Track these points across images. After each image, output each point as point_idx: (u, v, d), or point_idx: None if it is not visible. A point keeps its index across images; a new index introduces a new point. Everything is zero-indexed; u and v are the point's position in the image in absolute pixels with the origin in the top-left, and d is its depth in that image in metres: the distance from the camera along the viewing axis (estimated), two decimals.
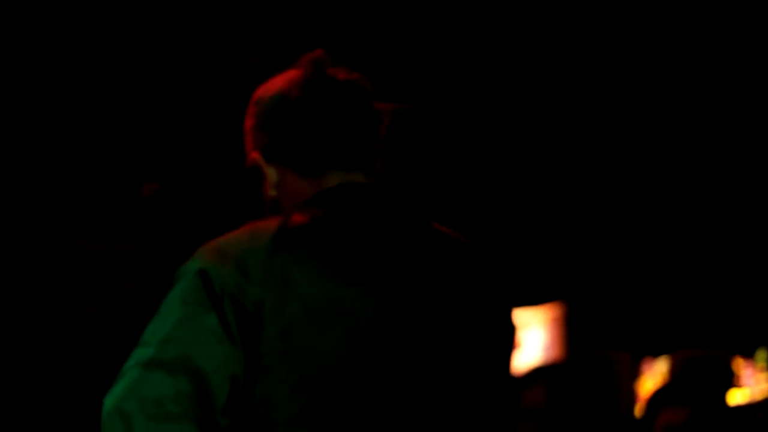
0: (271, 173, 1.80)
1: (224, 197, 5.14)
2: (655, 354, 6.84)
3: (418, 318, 1.64)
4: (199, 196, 5.37)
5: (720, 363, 3.54)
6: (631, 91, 5.53)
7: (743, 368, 6.62)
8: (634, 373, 6.73)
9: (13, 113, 4.96)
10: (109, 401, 1.56)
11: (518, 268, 6.62)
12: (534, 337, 6.65)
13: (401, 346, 1.62)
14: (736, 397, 3.94)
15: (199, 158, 5.48)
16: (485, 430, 1.69)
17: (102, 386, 1.66)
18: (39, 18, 4.68)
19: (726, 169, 6.18)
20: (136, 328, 1.68)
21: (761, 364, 7.14)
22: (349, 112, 1.78)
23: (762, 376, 7.09)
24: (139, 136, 5.20)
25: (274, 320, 1.56)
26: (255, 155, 1.81)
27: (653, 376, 6.72)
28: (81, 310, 5.14)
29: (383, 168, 1.83)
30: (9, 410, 4.92)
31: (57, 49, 4.76)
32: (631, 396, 6.36)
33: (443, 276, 1.70)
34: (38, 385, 5.00)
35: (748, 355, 7.04)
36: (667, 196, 6.44)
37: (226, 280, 1.58)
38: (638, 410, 5.02)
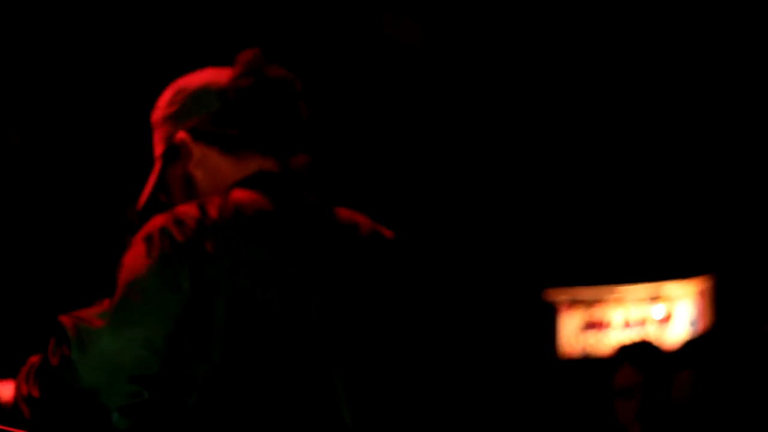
0: (196, 151, 2.02)
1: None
2: None
3: (322, 282, 1.91)
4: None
5: None
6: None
7: None
8: None
9: None
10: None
11: (667, 240, 6.56)
12: (682, 311, 6.58)
13: (311, 301, 1.88)
14: None
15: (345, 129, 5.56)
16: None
17: None
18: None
19: None
20: None
21: None
22: (275, 104, 2.02)
23: None
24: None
25: (226, 282, 1.82)
26: (182, 135, 2.02)
27: None
28: None
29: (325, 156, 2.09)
30: None
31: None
32: None
33: (337, 249, 1.96)
34: None
35: None
36: None
37: (186, 241, 1.82)
38: None
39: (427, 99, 6.07)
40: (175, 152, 2.03)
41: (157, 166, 2.06)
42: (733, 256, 6.42)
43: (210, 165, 2.01)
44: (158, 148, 2.07)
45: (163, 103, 2.07)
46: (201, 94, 2.03)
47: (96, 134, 5.44)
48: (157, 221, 1.86)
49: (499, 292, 6.69)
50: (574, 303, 6.80)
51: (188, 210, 1.87)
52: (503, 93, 6.11)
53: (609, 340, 6.61)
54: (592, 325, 6.76)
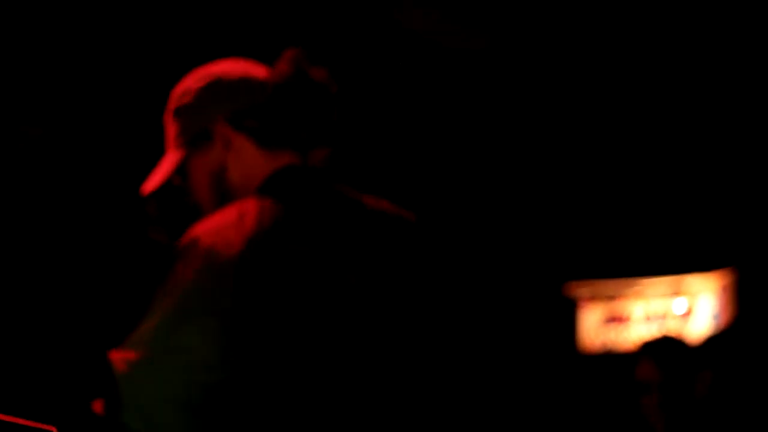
0: (236, 141, 2.02)
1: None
2: None
3: (363, 272, 1.91)
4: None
5: None
6: None
7: None
8: None
9: None
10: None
11: (688, 234, 6.53)
12: (704, 305, 6.55)
13: (355, 294, 1.88)
14: None
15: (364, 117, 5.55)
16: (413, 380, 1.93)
17: None
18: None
19: None
20: None
21: None
22: (315, 105, 2.03)
23: None
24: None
25: (273, 291, 1.79)
26: (221, 123, 2.02)
27: None
28: None
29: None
30: None
31: None
32: None
33: (373, 237, 1.96)
34: None
35: None
36: None
37: (227, 254, 1.78)
38: None
39: (443, 90, 6.05)
40: (206, 139, 2.02)
41: (179, 153, 2.04)
42: (755, 249, 6.39)
43: (244, 156, 2.00)
44: (182, 135, 2.04)
45: (191, 89, 2.04)
46: (241, 85, 2.02)
47: (115, 127, 5.44)
48: (195, 233, 1.83)
49: (520, 287, 6.67)
50: (594, 297, 6.78)
51: (226, 219, 1.84)
52: (519, 84, 6.09)
53: (630, 335, 6.59)
54: (613, 320, 6.74)
